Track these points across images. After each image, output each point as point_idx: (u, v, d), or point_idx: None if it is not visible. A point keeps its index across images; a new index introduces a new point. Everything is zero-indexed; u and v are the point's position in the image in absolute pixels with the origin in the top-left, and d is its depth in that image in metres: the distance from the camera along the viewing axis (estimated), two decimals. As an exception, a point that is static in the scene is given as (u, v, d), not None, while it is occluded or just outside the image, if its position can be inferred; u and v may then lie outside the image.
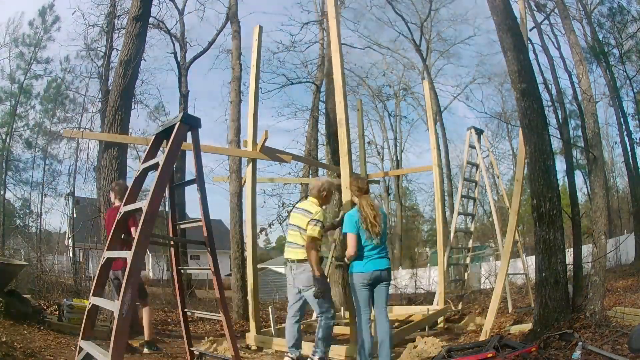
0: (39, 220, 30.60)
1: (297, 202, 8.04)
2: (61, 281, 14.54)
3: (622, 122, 24.29)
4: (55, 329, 8.92)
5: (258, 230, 18.17)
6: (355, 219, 7.27)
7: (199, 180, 5.76)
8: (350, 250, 7.27)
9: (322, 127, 23.26)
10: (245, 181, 10.82)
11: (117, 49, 19.95)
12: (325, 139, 19.82)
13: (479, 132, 14.39)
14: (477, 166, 14.73)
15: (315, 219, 7.54)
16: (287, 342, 7.93)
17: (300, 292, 7.78)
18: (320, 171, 23.34)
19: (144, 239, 4.87)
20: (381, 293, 7.35)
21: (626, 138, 24.35)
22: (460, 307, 14.04)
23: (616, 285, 13.50)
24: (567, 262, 8.04)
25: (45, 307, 10.76)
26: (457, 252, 16.99)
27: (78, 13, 24.21)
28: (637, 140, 24.63)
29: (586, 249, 10.48)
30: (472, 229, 15.27)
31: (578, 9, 20.67)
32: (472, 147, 14.20)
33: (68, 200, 23.07)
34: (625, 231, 27.96)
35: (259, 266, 11.28)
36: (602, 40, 22.76)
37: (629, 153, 24.26)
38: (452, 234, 14.31)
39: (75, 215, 23.05)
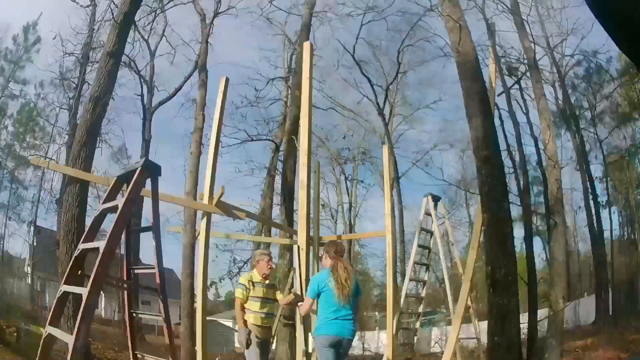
0: (1, 243, 30.27)
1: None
2: (19, 305, 14.48)
3: (589, 185, 24.62)
4: (15, 349, 8.90)
5: (208, 284, 18.20)
6: (316, 282, 7.31)
7: (155, 228, 5.78)
8: (302, 311, 7.61)
9: (277, 187, 23.41)
10: (199, 233, 10.84)
11: (88, 83, 20.00)
12: (280, 199, 19.89)
13: (436, 199, 14.49)
14: (432, 233, 14.81)
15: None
16: None
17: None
18: (274, 230, 23.39)
19: (100, 278, 4.88)
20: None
21: (591, 202, 24.65)
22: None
23: (574, 346, 13.60)
24: (521, 327, 8.11)
25: (5, 327, 10.70)
26: (408, 316, 17.02)
27: (57, 38, 24.13)
28: (603, 203, 24.96)
29: (542, 313, 10.58)
30: (423, 295, 15.27)
31: (552, 71, 21.00)
32: (427, 214, 14.29)
33: (30, 228, 22.98)
34: (586, 293, 28.19)
35: (208, 318, 11.22)
36: (574, 103, 23.13)
37: (594, 217, 24.54)
38: (402, 299, 14.34)
39: (35, 244, 22.96)
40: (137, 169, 5.45)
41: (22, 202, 31.06)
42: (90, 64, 20.90)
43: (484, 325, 11.29)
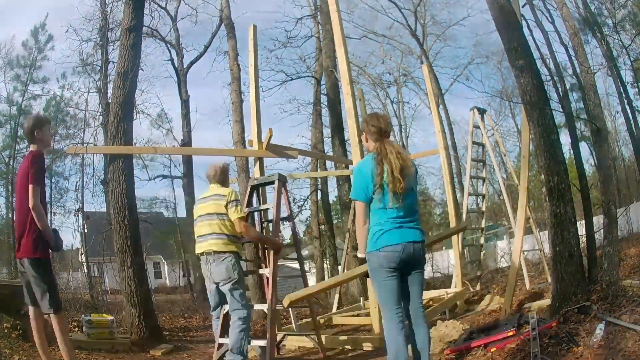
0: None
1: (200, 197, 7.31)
2: (78, 297, 14.60)
3: (622, 91, 24.16)
4: (76, 346, 8.94)
5: (271, 229, 18.26)
6: (365, 172, 5.21)
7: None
8: (359, 221, 5.30)
9: (325, 120, 23.41)
10: (254, 180, 10.90)
11: (113, 62, 20.03)
12: (330, 131, 19.93)
13: (482, 111, 14.37)
14: (484, 146, 14.70)
15: (233, 200, 7.23)
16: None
17: (217, 286, 7.36)
18: (328, 163, 23.50)
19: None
20: (415, 281, 5.27)
21: (627, 107, 24.25)
22: (478, 287, 14.05)
23: (630, 253, 13.48)
24: (579, 235, 8.05)
25: (64, 326, 10.78)
26: (471, 232, 16.97)
27: (70, 30, 24.04)
28: (638, 109, 24.49)
29: (597, 220, 10.49)
30: (484, 209, 15.20)
31: (569, -21, 20.55)
32: (476, 127, 14.16)
33: (78, 216, 23.12)
34: (635, 199, 27.92)
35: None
36: (595, 11, 22.61)
37: (631, 121, 24.18)
38: (464, 215, 14.30)
39: (86, 230, 23.15)
40: (274, 180, 8.38)
41: (65, 194, 31.39)
42: (111, 44, 20.96)
43: (544, 235, 11.26)
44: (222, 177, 7.66)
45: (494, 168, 14.93)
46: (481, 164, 15.12)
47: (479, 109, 14.22)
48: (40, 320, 6.24)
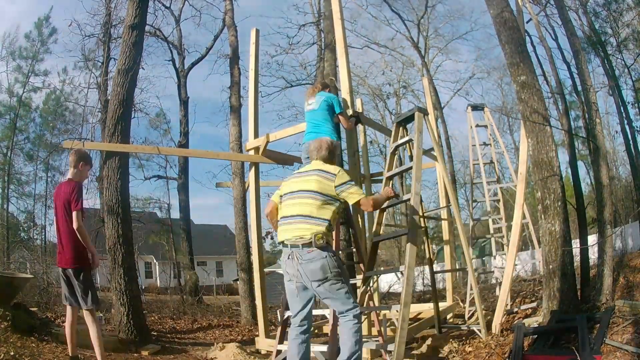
0: (43, 233, 30.47)
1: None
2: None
3: (622, 110, 24.10)
4: (62, 340, 8.86)
5: (264, 234, 18.22)
6: None
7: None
8: None
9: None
10: (248, 185, 10.85)
11: (114, 59, 20.00)
12: (327, 141, 19.94)
13: (479, 107, 14.27)
14: (490, 143, 14.50)
15: (348, 180, 5.63)
16: None
17: (305, 289, 5.53)
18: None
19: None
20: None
21: (627, 127, 24.18)
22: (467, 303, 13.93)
23: (622, 273, 13.43)
24: (573, 253, 8.01)
25: (52, 319, 10.72)
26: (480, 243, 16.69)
27: (74, 24, 24.01)
28: (638, 129, 24.42)
29: (592, 240, 10.44)
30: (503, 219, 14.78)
31: (574, -2, 20.55)
32: (483, 126, 14.05)
33: (71, 211, 22.98)
34: (630, 220, 27.82)
35: (266, 270, 11.28)
36: (599, 30, 22.58)
37: (630, 142, 24.12)
38: (470, 224, 14.07)
39: (79, 226, 23.03)
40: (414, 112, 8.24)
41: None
42: (113, 40, 20.94)
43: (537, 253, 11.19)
44: (328, 155, 6.04)
45: (504, 155, 14.90)
46: (488, 165, 14.97)
47: (473, 106, 14.12)
48: (74, 316, 7.29)
